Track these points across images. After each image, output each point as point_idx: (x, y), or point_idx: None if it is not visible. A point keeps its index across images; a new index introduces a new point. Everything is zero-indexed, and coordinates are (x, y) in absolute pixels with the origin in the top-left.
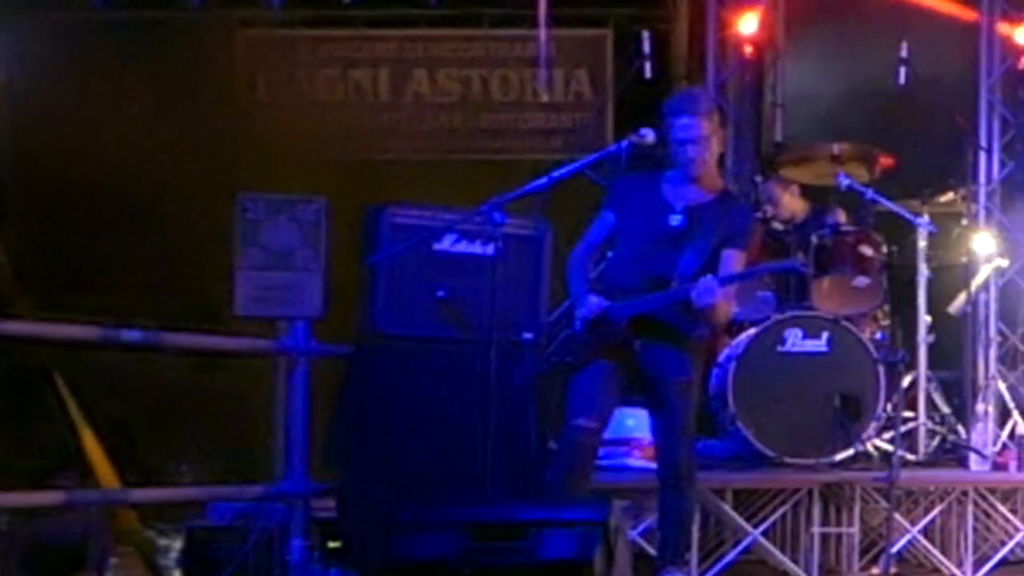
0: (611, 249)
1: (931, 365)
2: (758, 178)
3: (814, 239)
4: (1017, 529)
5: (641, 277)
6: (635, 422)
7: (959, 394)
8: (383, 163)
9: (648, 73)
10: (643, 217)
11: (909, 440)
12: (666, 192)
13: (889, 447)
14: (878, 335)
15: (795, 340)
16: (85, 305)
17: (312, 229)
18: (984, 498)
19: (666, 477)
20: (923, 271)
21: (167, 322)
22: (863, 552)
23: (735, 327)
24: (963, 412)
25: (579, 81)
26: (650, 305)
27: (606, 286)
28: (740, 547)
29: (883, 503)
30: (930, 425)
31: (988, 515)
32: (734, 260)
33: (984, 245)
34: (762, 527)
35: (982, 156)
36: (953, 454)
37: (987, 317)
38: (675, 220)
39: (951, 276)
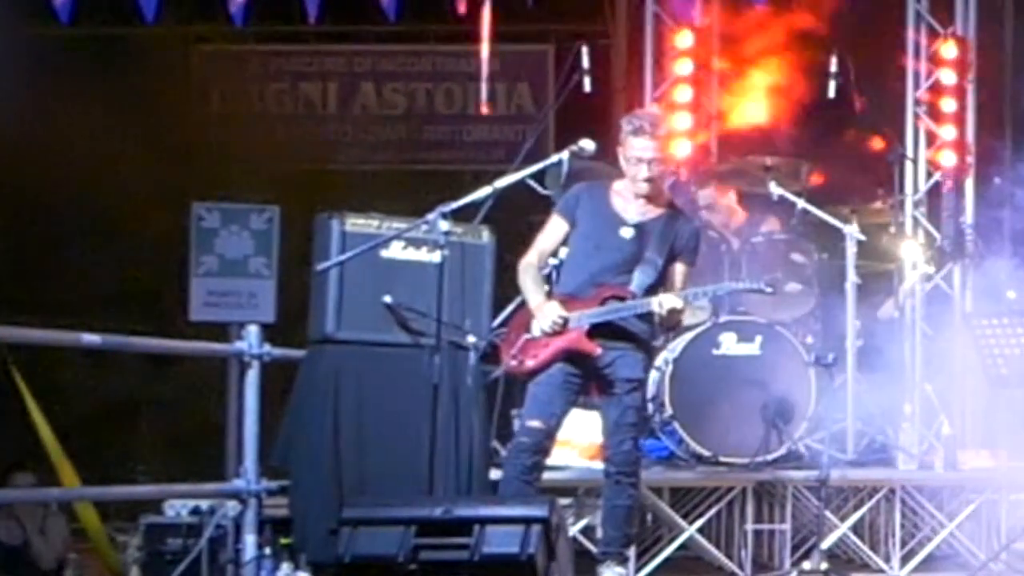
0: (564, 256)
1: (860, 368)
2: (693, 187)
3: (747, 246)
4: (943, 525)
5: (595, 287)
6: (574, 423)
7: (887, 396)
8: (332, 173)
9: (588, 87)
10: (596, 228)
11: (839, 440)
12: (616, 205)
13: (820, 447)
14: (809, 339)
15: (730, 344)
16: (45, 307)
17: (264, 237)
18: (911, 496)
19: (611, 472)
20: (852, 278)
21: (123, 325)
22: (795, 548)
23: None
24: (891, 413)
25: (521, 94)
26: (611, 316)
27: (560, 293)
28: (676, 543)
29: (814, 501)
30: (859, 426)
31: (915, 512)
32: (685, 276)
33: (911, 252)
34: (698, 524)
35: (908, 167)
36: (882, 454)
37: (914, 322)
38: (627, 233)
39: (879, 282)
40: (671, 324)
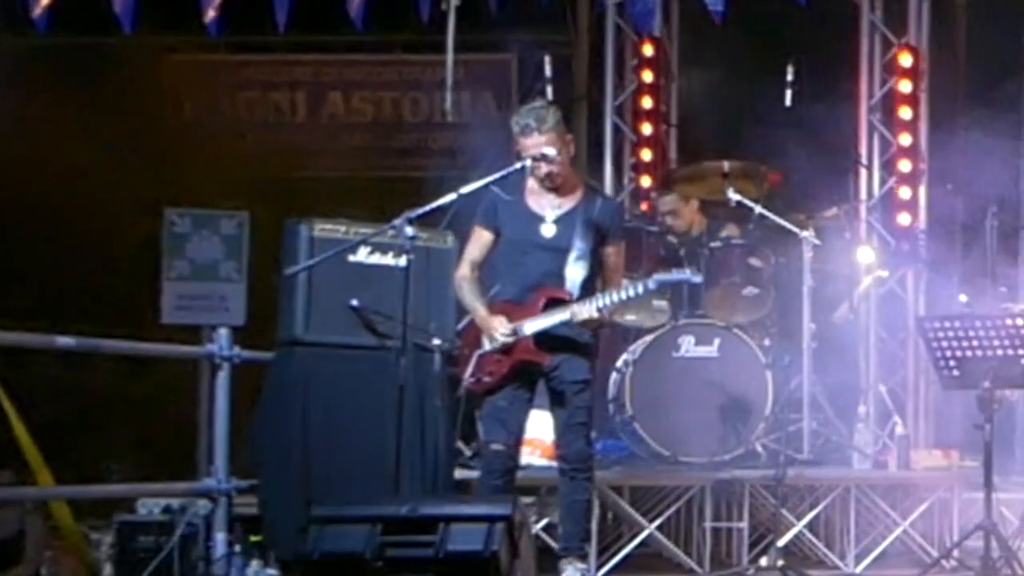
0: (492, 263)
1: (816, 370)
2: (655, 193)
3: (706, 251)
4: (896, 523)
5: (529, 289)
6: (537, 423)
7: (842, 397)
8: (301, 179)
9: (550, 95)
10: (518, 232)
11: (795, 440)
12: (532, 203)
13: (776, 447)
14: (766, 342)
15: (688, 346)
16: (20, 310)
17: (234, 242)
18: (866, 495)
19: (566, 470)
20: (808, 282)
21: (97, 328)
22: (752, 545)
23: (632, 334)
24: (846, 414)
25: (485, 102)
26: (550, 325)
27: (500, 300)
28: (636, 541)
29: (771, 499)
30: (815, 426)
31: (870, 510)
32: (617, 255)
33: (865, 257)
34: (657, 522)
35: (863, 173)
36: (837, 453)
37: (868, 325)
38: (548, 230)
39: (835, 286)
40: (595, 328)
